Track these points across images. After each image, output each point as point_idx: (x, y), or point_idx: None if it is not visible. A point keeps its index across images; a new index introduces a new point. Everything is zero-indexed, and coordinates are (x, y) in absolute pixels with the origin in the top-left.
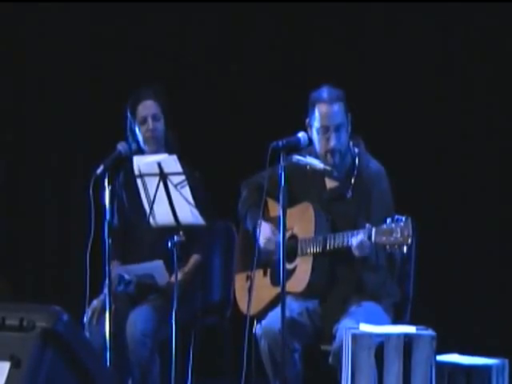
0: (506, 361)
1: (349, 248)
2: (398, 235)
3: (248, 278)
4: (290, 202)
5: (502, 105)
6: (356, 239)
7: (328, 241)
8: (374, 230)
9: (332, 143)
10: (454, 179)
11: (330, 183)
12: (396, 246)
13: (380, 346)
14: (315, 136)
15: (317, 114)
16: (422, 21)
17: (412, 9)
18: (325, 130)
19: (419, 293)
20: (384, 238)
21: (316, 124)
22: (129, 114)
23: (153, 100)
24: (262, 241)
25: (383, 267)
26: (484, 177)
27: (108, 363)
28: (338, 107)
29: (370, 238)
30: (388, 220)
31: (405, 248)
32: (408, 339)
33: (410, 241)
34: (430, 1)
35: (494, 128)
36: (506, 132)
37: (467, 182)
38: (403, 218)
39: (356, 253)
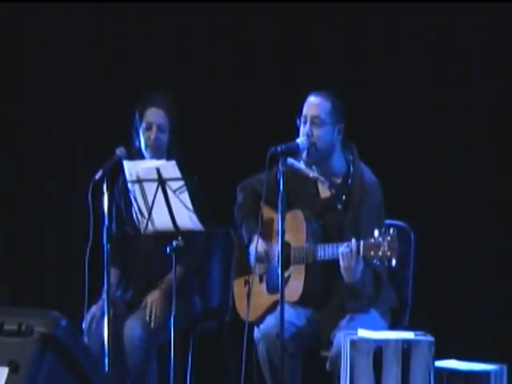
0: (505, 366)
1: (337, 259)
2: (386, 249)
3: (246, 282)
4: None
5: (502, 109)
6: (340, 251)
7: (318, 251)
8: (361, 244)
9: (305, 131)
10: (453, 186)
11: (323, 192)
12: (384, 259)
13: (378, 351)
14: (300, 130)
15: (304, 105)
16: (422, 25)
17: (413, 9)
18: (304, 119)
19: (418, 298)
20: (372, 253)
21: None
22: (137, 115)
23: (163, 110)
24: (253, 260)
25: (367, 297)
26: (484, 184)
27: (106, 368)
28: (320, 101)
29: (358, 251)
30: (376, 233)
31: (393, 262)
32: (406, 345)
33: (397, 254)
34: (430, 1)
35: (494, 131)
36: (506, 136)
37: (467, 189)
38: (390, 231)
39: (341, 263)
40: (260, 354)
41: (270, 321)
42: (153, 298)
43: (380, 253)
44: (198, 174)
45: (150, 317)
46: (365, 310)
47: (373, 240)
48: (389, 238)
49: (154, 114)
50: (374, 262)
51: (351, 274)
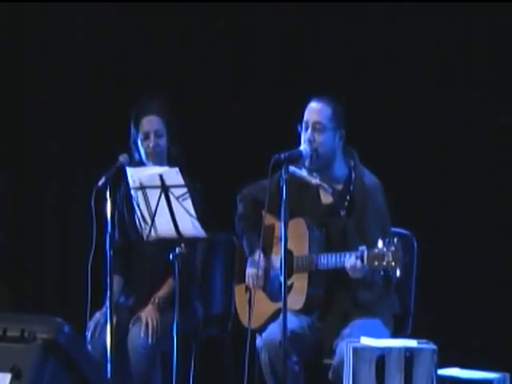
0: (507, 375)
1: (343, 268)
2: (390, 259)
3: (247, 289)
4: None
5: (504, 113)
6: (349, 262)
7: (322, 260)
8: (365, 254)
9: (307, 137)
10: (455, 193)
11: (325, 198)
12: (389, 270)
13: (381, 359)
14: (302, 137)
15: (305, 112)
16: (422, 28)
17: (412, 11)
18: (306, 125)
19: (420, 306)
20: (376, 263)
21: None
22: (132, 127)
23: (156, 115)
24: (248, 276)
25: (378, 284)
26: (484, 191)
27: (109, 375)
28: (322, 107)
29: (362, 260)
30: (380, 243)
31: (398, 272)
32: (409, 353)
33: (401, 264)
34: (431, 1)
35: (495, 136)
36: (508, 140)
37: (468, 196)
38: (394, 241)
39: (350, 274)
40: (262, 362)
41: (273, 329)
42: (147, 314)
43: (384, 263)
44: (200, 179)
45: (147, 332)
46: (370, 313)
47: (377, 250)
48: (393, 249)
49: (149, 122)
50: (379, 272)
51: (357, 274)
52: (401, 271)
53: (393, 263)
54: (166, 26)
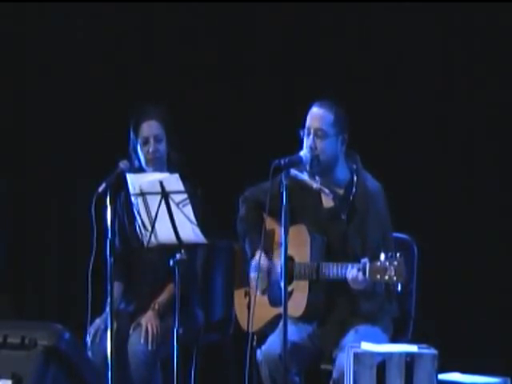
0: (508, 379)
1: (344, 279)
2: (392, 273)
3: (246, 293)
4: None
5: (503, 116)
6: (350, 274)
7: (323, 270)
8: (368, 267)
9: (309, 143)
10: (456, 198)
11: (326, 202)
12: (390, 284)
13: (381, 364)
14: (304, 142)
15: (307, 117)
16: (422, 32)
17: (412, 13)
18: (308, 131)
19: (421, 311)
20: (378, 276)
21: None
22: (131, 133)
23: (155, 120)
24: (253, 274)
25: (380, 295)
26: (486, 195)
27: (110, 381)
28: (323, 113)
29: (364, 273)
30: (382, 256)
31: (399, 286)
32: (410, 358)
33: (403, 279)
34: (431, 1)
35: (495, 139)
36: (506, 141)
37: (468, 200)
38: (397, 256)
39: (351, 286)
40: (263, 374)
41: (272, 342)
42: (147, 319)
43: (386, 277)
44: (200, 185)
45: (147, 338)
46: (370, 320)
47: (379, 263)
48: (396, 263)
49: (148, 127)
50: (380, 284)
51: (358, 286)
52: (402, 286)
53: (395, 278)
54: (166, 26)
